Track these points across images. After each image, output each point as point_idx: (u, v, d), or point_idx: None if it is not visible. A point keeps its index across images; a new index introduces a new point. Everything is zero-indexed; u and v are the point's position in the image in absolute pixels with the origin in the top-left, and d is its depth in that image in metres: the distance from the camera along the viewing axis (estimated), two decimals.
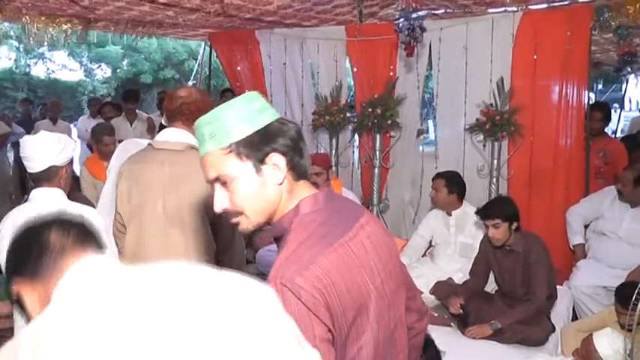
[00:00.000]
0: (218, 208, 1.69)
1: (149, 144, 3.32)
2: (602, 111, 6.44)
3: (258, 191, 1.67)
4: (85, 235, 1.45)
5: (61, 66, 20.46)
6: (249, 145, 1.63)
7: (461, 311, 4.48)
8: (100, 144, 5.55)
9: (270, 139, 1.66)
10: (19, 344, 1.06)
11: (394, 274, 1.84)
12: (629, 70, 6.88)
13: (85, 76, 20.50)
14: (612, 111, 6.66)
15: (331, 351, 1.54)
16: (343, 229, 1.72)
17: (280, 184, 1.68)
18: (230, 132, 1.63)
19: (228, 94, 7.94)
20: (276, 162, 1.66)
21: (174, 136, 3.21)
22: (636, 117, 11.45)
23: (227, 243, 3.34)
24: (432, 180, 5.42)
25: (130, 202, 3.24)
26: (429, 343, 3.07)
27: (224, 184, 1.67)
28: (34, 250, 1.41)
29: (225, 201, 1.69)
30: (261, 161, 1.65)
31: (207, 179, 1.70)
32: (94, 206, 3.57)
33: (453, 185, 5.30)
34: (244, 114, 1.65)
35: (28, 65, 19.83)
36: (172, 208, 3.17)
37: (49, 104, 10.17)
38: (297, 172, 1.71)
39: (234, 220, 1.72)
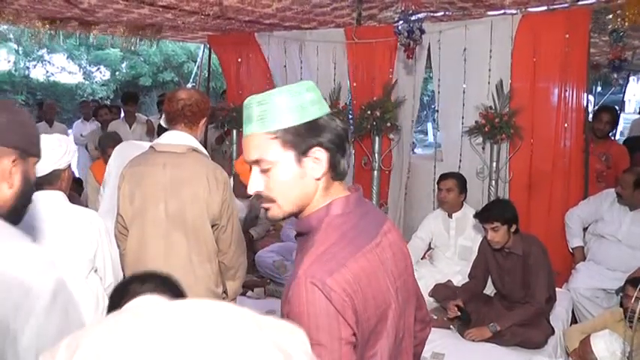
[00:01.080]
0: (252, 190, 1.69)
1: (151, 146, 3.33)
2: (610, 113, 6.42)
3: (295, 181, 1.66)
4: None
5: (60, 69, 20.45)
6: (295, 135, 1.62)
7: (458, 313, 4.47)
8: (105, 155, 5.52)
9: (316, 133, 1.64)
10: (58, 347, 1.05)
11: (408, 284, 1.84)
12: (615, 76, 6.88)
13: (84, 78, 20.48)
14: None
15: (353, 355, 1.54)
16: (371, 234, 1.72)
17: (318, 179, 1.67)
18: (279, 118, 1.62)
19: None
20: (319, 156, 1.65)
21: (175, 138, 3.22)
22: (637, 119, 11.45)
23: (229, 244, 3.35)
24: (440, 180, 5.42)
25: (133, 205, 3.24)
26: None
27: (263, 169, 1.66)
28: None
29: (261, 185, 1.68)
30: (304, 153, 1.64)
31: (247, 159, 1.68)
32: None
33: (463, 185, 5.33)
34: (296, 103, 1.63)
35: (27, 68, 19.81)
36: (174, 210, 3.18)
37: (45, 106, 10.12)
38: (337, 171, 1.70)
39: (265, 205, 1.71)
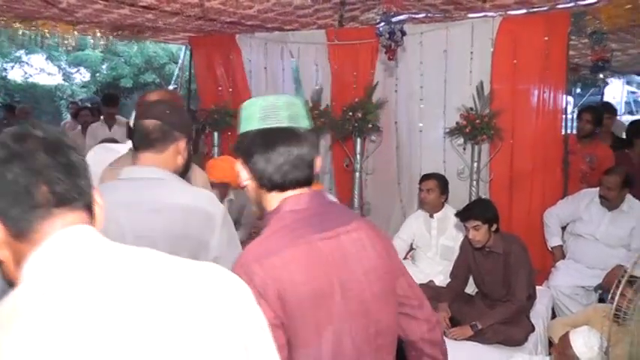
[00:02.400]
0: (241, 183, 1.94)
1: (130, 149, 3.31)
2: (592, 113, 6.45)
3: (250, 185, 1.92)
4: (77, 192, 1.26)
5: (39, 70, 20.21)
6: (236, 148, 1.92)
7: (449, 325, 4.48)
8: None
9: (240, 147, 1.89)
10: None
11: (380, 283, 1.89)
12: (602, 76, 6.95)
13: (64, 80, 20.27)
14: None
15: (279, 334, 1.63)
16: (320, 228, 1.81)
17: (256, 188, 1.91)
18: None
19: None
20: (241, 168, 1.92)
21: None
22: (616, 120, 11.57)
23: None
24: (422, 181, 5.45)
25: None
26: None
27: None
28: (20, 197, 1.20)
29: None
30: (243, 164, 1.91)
31: None
32: None
33: (444, 186, 5.37)
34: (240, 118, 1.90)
35: (5, 69, 19.58)
36: None
37: (18, 111, 9.96)
38: (262, 182, 1.88)
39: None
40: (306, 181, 1.90)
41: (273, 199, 1.87)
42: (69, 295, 1.10)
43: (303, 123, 1.89)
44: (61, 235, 1.20)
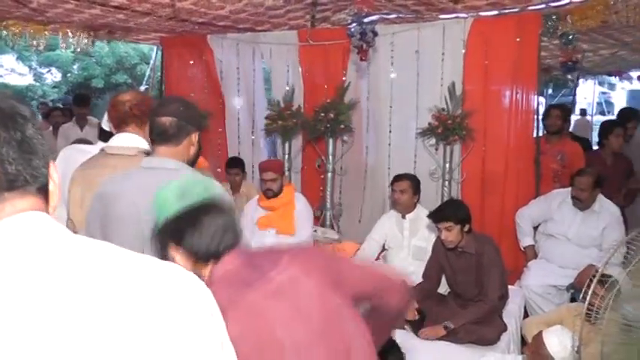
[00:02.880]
0: None
1: (102, 149, 3.28)
2: (561, 110, 6.53)
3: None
4: (31, 174, 1.14)
5: (9, 70, 20.04)
6: None
7: (417, 317, 4.50)
8: None
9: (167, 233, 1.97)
10: None
11: (327, 307, 1.91)
12: (570, 77, 7.03)
13: (35, 80, 20.10)
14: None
15: None
16: (254, 279, 1.86)
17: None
18: None
19: None
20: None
21: (126, 141, 3.17)
22: (578, 119, 11.70)
23: None
24: (394, 182, 5.44)
25: (82, 208, 3.19)
26: (394, 346, 3.09)
27: None
28: None
29: None
30: None
31: None
32: None
33: (417, 187, 5.37)
34: None
35: None
36: None
37: None
38: (198, 257, 1.92)
39: None
40: (238, 243, 1.95)
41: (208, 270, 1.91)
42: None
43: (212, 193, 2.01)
44: (9, 224, 1.08)
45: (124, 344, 1.02)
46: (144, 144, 3.15)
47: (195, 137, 2.73)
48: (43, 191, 1.16)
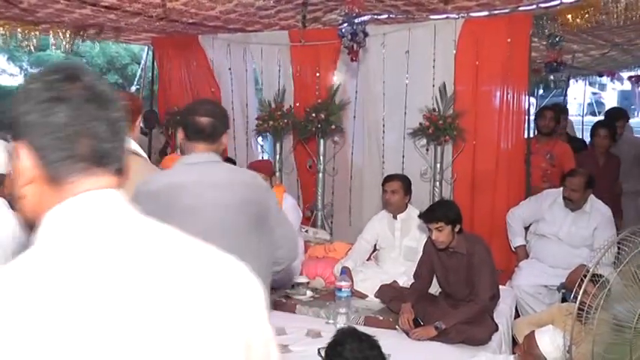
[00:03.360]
0: None
1: None
2: (553, 111, 6.57)
3: None
4: (117, 153, 1.20)
5: (0, 71, 19.99)
6: None
7: (412, 326, 4.47)
8: None
9: None
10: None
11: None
12: (552, 78, 7.06)
13: None
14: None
15: None
16: None
17: None
18: None
19: None
20: None
21: None
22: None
23: None
24: (385, 182, 5.44)
25: None
26: (375, 348, 3.08)
27: None
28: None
29: None
30: None
31: None
32: None
33: (408, 187, 5.37)
34: None
35: None
36: None
37: None
38: None
39: None
40: None
41: None
42: (81, 263, 1.05)
43: None
44: (91, 197, 1.14)
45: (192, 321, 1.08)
46: (132, 144, 3.13)
47: (225, 137, 2.98)
48: (119, 173, 1.21)
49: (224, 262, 1.21)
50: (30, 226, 1.17)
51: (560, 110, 7.32)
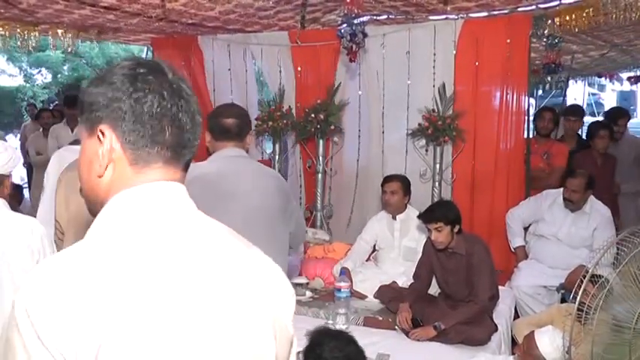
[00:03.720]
0: None
1: None
2: (551, 112, 6.63)
3: None
4: (192, 146, 1.27)
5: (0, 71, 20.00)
6: None
7: (410, 326, 4.47)
8: None
9: None
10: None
11: None
12: (549, 79, 7.07)
13: (25, 81, 19.99)
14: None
15: None
16: None
17: None
18: None
19: None
20: None
21: None
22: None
23: None
24: (385, 182, 5.45)
25: (68, 210, 3.19)
26: (352, 343, 3.08)
27: None
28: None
29: None
30: None
31: None
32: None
33: (407, 188, 5.38)
34: None
35: None
36: None
37: None
38: None
39: None
40: None
41: None
42: (151, 248, 1.11)
43: None
44: (164, 188, 1.21)
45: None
46: None
47: (249, 137, 3.27)
48: (186, 168, 1.29)
49: (265, 263, 1.31)
50: (95, 209, 1.23)
51: (574, 112, 7.36)
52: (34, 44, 7.45)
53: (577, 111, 7.47)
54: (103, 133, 1.19)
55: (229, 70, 7.41)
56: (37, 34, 7.43)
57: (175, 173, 1.23)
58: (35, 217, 3.34)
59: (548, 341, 3.59)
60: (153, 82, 1.18)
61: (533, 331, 3.78)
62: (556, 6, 5.77)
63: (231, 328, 1.12)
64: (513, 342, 4.71)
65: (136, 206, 1.16)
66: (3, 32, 7.20)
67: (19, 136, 12.07)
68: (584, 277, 3.26)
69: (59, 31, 7.45)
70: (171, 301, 1.06)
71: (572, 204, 5.35)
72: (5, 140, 3.18)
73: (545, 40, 6.29)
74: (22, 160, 9.61)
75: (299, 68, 6.85)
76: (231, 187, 3.04)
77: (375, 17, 6.34)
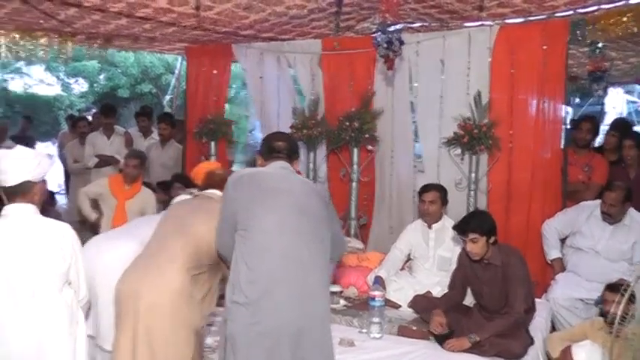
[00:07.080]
0: None
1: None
2: (590, 122, 6.41)
3: None
4: None
5: (38, 81, 20.27)
6: None
7: (446, 330, 4.40)
8: (127, 168, 6.13)
9: None
10: None
11: None
12: (596, 87, 6.90)
13: (63, 90, 20.28)
14: None
15: None
16: None
17: None
18: None
19: None
20: None
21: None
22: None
23: None
24: (423, 192, 5.40)
25: None
26: None
27: None
28: None
29: None
30: None
31: None
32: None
33: (445, 197, 5.36)
34: None
35: (5, 80, 19.62)
36: None
37: None
38: None
39: None
40: None
41: None
42: None
43: None
44: None
45: None
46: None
47: (296, 164, 3.61)
48: None
49: None
50: None
51: (618, 127, 7.08)
52: (69, 54, 7.57)
53: (622, 127, 7.19)
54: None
55: (261, 77, 7.42)
56: (72, 44, 7.56)
57: None
58: (69, 223, 3.36)
59: (585, 356, 3.53)
60: None
61: (570, 346, 3.72)
62: (594, 11, 5.67)
63: None
64: (548, 356, 4.63)
65: None
66: (43, 42, 7.34)
67: (56, 144, 12.21)
68: (625, 290, 3.18)
69: (94, 42, 7.58)
70: None
71: (610, 217, 5.25)
72: (11, 148, 3.23)
73: (587, 46, 6.17)
74: (61, 168, 9.75)
75: (330, 76, 6.83)
76: (276, 184, 3.35)
77: (409, 25, 6.29)
